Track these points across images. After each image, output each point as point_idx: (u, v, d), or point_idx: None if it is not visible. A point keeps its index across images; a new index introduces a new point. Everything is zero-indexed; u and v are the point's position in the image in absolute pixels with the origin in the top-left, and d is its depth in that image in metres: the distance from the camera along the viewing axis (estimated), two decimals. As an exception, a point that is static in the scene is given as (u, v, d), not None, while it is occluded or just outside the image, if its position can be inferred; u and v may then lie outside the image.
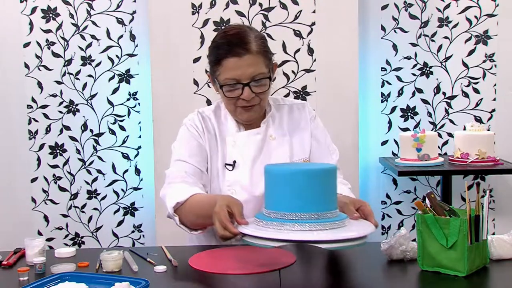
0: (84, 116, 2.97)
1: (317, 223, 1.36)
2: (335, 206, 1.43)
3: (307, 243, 1.36)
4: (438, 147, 2.92)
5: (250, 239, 1.38)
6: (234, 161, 1.79)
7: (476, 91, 2.96)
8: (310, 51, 2.74)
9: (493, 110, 2.96)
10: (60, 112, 2.96)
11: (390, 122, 3.00)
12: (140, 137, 3.00)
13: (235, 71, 1.69)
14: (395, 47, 2.96)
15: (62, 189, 3.01)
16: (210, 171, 1.82)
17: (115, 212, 3.03)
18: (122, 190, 3.02)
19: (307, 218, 1.36)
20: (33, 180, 2.99)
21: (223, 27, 1.79)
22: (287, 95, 2.76)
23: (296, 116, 1.90)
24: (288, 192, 1.38)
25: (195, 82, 2.71)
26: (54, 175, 2.99)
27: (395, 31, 2.96)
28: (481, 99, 2.96)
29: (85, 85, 2.96)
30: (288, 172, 1.40)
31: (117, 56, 2.96)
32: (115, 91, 2.97)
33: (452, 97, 2.97)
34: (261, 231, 1.36)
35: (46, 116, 2.96)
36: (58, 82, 2.95)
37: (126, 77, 2.97)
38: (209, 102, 2.66)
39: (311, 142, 1.89)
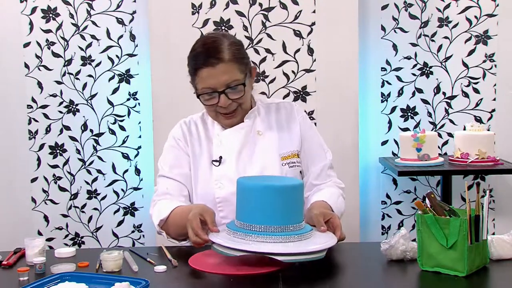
0: (84, 116, 2.97)
1: (280, 235, 1.47)
2: (300, 220, 1.53)
3: (266, 255, 1.43)
4: (438, 147, 2.92)
5: (216, 246, 1.49)
6: (220, 157, 1.83)
7: (476, 91, 2.96)
8: (310, 51, 2.74)
9: (493, 110, 2.96)
10: (60, 112, 2.96)
11: (390, 122, 3.00)
12: (140, 137, 3.00)
13: (209, 80, 1.74)
14: (395, 47, 2.96)
15: (62, 189, 3.01)
16: (195, 172, 1.86)
17: (115, 212, 3.03)
18: (122, 190, 3.02)
19: (271, 231, 1.47)
20: (33, 180, 2.99)
21: (202, 36, 1.83)
22: (287, 95, 2.76)
23: (283, 113, 1.93)
24: (254, 205, 1.50)
25: (195, 82, 2.71)
26: (54, 175, 2.99)
27: (395, 31, 2.96)
28: (481, 99, 2.96)
29: (85, 85, 2.96)
30: (255, 187, 1.51)
31: (117, 56, 2.96)
32: (115, 91, 2.97)
33: (452, 97, 2.97)
34: (224, 240, 1.47)
35: (46, 116, 2.96)
36: (58, 82, 2.95)
37: (126, 77, 2.97)
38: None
39: (304, 139, 1.90)
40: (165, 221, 1.75)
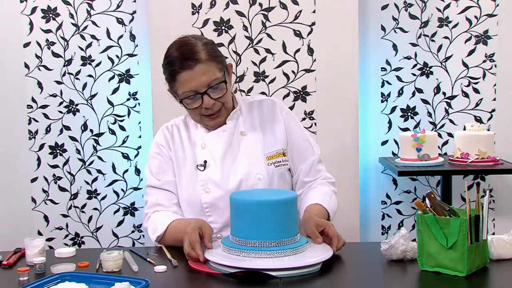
0: (84, 116, 2.97)
1: (275, 250, 1.48)
2: (295, 233, 1.54)
3: (261, 272, 1.42)
4: (438, 147, 2.92)
5: (212, 264, 1.50)
6: (205, 161, 1.82)
7: (476, 91, 2.96)
8: (310, 51, 2.74)
9: (493, 110, 2.96)
10: (60, 112, 2.96)
11: (390, 122, 3.00)
12: (140, 137, 3.00)
13: (190, 83, 1.72)
14: (395, 47, 2.96)
15: (62, 189, 3.01)
16: (179, 177, 1.85)
17: (115, 212, 3.03)
18: (122, 190, 3.02)
19: (266, 246, 1.48)
20: (33, 180, 2.99)
21: (173, 42, 1.81)
22: (287, 95, 2.76)
23: (266, 110, 1.90)
24: (248, 221, 1.50)
25: (195, 82, 2.71)
26: (54, 175, 2.99)
27: (395, 31, 2.96)
28: (481, 99, 2.96)
29: (85, 85, 2.96)
30: (248, 203, 1.51)
31: (117, 56, 2.96)
32: (115, 91, 2.97)
33: (452, 97, 2.97)
34: (220, 258, 1.48)
35: (46, 116, 2.96)
36: (58, 82, 2.95)
37: (126, 77, 2.97)
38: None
39: (290, 136, 1.88)
40: (162, 236, 1.76)
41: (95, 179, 3.01)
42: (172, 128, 1.92)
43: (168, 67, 1.77)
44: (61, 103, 2.96)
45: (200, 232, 1.60)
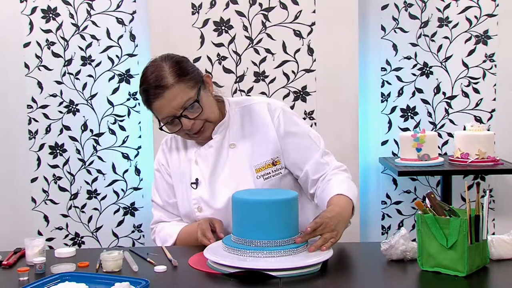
0: (84, 116, 2.97)
1: (275, 250, 1.48)
2: (296, 233, 1.54)
3: (261, 272, 1.42)
4: (438, 147, 2.92)
5: (212, 263, 1.51)
6: (197, 179, 1.84)
7: (476, 91, 2.96)
8: (310, 51, 2.74)
9: (493, 110, 2.96)
10: (60, 112, 2.96)
11: (390, 122, 3.00)
12: (140, 137, 3.00)
13: (165, 110, 1.72)
14: (395, 47, 2.96)
15: (62, 189, 3.01)
16: (178, 193, 1.89)
17: (115, 212, 3.03)
18: (122, 190, 3.02)
19: (266, 246, 1.49)
20: (33, 180, 2.99)
21: (145, 67, 1.78)
22: (287, 95, 2.76)
23: (255, 117, 1.84)
24: (248, 220, 1.51)
25: (195, 82, 2.71)
26: (54, 175, 2.99)
27: (395, 31, 2.96)
28: (481, 99, 2.96)
29: (85, 85, 2.96)
30: (248, 202, 1.52)
31: (117, 56, 2.96)
32: (115, 91, 2.97)
33: (452, 97, 2.97)
34: (220, 258, 1.49)
35: (46, 116, 2.96)
36: (58, 82, 2.95)
37: (126, 77, 2.97)
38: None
39: (287, 137, 1.82)
40: (173, 244, 1.83)
41: (95, 179, 3.01)
42: (171, 143, 1.93)
43: (142, 98, 1.77)
44: (61, 103, 2.96)
45: (211, 223, 1.72)
